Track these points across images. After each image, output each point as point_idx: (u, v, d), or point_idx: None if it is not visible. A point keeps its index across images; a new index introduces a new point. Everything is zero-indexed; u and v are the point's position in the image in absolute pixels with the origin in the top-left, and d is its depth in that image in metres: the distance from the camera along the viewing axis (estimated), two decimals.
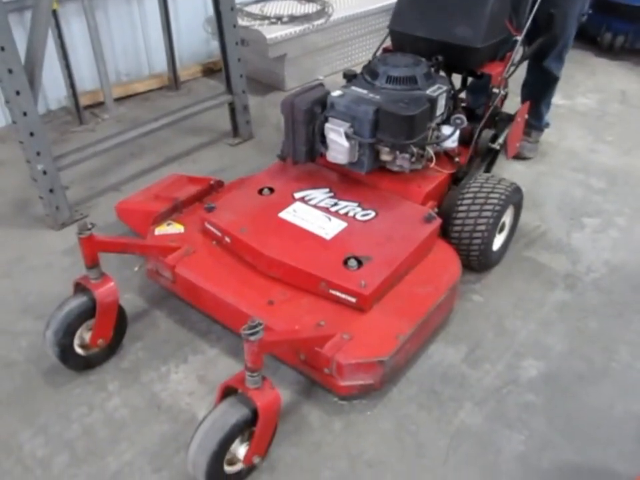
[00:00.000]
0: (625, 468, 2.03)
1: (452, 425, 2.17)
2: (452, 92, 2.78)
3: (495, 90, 2.87)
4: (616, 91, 4.71)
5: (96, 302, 2.19)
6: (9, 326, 2.55)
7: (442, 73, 2.86)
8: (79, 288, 2.25)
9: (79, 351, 2.26)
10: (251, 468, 1.97)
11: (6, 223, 3.18)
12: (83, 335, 2.26)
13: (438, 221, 2.56)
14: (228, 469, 1.89)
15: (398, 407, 2.23)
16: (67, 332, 2.19)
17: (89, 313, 2.22)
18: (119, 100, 4.38)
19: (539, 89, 3.63)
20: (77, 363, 2.29)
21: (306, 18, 4.45)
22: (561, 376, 2.36)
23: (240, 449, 1.89)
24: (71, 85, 3.97)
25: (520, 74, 3.44)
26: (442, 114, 2.71)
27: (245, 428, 1.85)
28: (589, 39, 5.19)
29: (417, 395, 2.27)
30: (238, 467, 1.92)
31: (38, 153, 2.87)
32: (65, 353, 2.22)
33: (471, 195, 2.63)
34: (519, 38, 2.90)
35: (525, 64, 3.46)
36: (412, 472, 2.02)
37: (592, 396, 2.29)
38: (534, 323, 2.59)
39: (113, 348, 2.37)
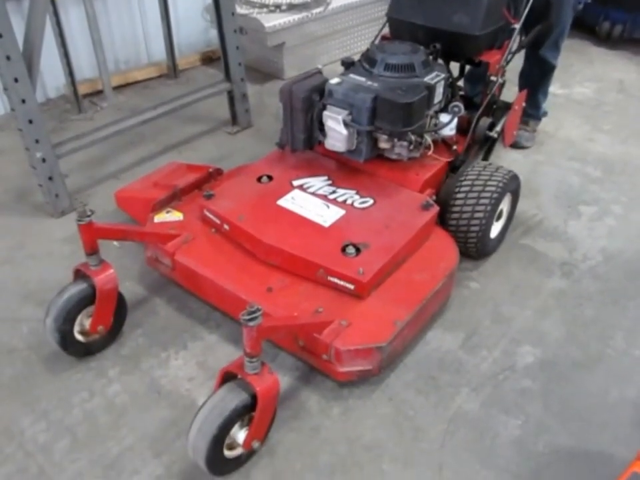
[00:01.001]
0: (619, 452, 2.06)
1: (449, 410, 2.20)
2: (450, 80, 2.79)
3: (493, 78, 2.88)
4: (614, 80, 4.71)
5: (95, 289, 2.20)
6: (10, 313, 2.56)
7: (440, 61, 2.86)
8: (79, 275, 2.26)
9: (79, 337, 2.28)
10: (250, 452, 1.99)
11: (6, 211, 3.18)
12: (83, 321, 2.27)
13: (435, 209, 2.57)
14: (228, 453, 1.91)
15: (396, 393, 2.25)
16: (67, 318, 2.20)
17: (88, 299, 2.23)
18: (118, 88, 4.37)
19: (536, 77, 3.63)
20: (77, 349, 2.30)
21: (304, 6, 4.43)
22: (557, 362, 2.39)
23: (239, 434, 1.91)
24: (70, 73, 3.96)
25: (518, 63, 3.45)
26: (440, 102, 2.72)
27: (244, 413, 1.86)
28: (587, 29, 5.19)
29: (415, 380, 2.30)
30: (237, 451, 1.94)
31: (37, 141, 2.87)
32: (65, 340, 2.23)
33: (469, 182, 2.64)
34: (517, 26, 2.90)
35: (522, 53, 3.46)
36: (409, 456, 2.05)
37: (587, 382, 2.31)
38: (530, 310, 2.62)
39: (113, 335, 2.39)
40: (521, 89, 3.56)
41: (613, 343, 2.47)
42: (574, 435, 2.13)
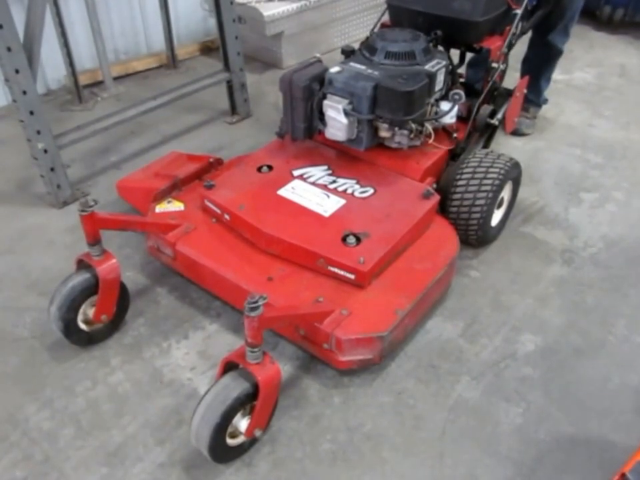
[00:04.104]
0: (620, 438, 2.07)
1: (450, 398, 2.20)
2: (450, 67, 2.78)
3: (494, 64, 2.87)
4: (615, 65, 4.69)
5: (98, 278, 2.22)
6: (14, 302, 2.58)
7: (440, 48, 2.85)
8: (82, 265, 2.27)
9: (82, 326, 2.30)
10: (252, 440, 2.00)
11: (8, 201, 3.19)
12: (87, 310, 2.29)
13: (436, 197, 2.57)
14: (230, 441, 1.93)
15: (396, 381, 2.26)
16: (71, 307, 2.22)
17: (91, 289, 2.24)
18: (118, 79, 4.37)
19: (541, 63, 3.61)
20: (80, 338, 2.32)
21: None
22: (558, 350, 2.39)
23: (242, 422, 1.92)
24: (70, 64, 3.95)
25: (519, 49, 3.43)
26: (441, 89, 2.71)
27: (246, 402, 1.88)
28: (587, 13, 5.13)
29: (415, 369, 2.30)
30: (240, 439, 1.96)
31: (38, 132, 2.88)
32: (69, 328, 2.25)
33: (470, 170, 2.64)
34: (519, 11, 2.88)
35: (526, 39, 3.45)
36: (410, 444, 2.06)
37: (589, 369, 2.32)
38: (531, 298, 2.62)
39: (115, 324, 2.41)
40: (523, 75, 3.55)
41: (615, 330, 2.47)
42: (575, 422, 2.13)
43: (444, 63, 2.67)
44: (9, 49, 2.66)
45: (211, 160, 2.90)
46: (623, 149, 3.65)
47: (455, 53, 2.98)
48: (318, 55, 2.76)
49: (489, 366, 2.32)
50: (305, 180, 2.62)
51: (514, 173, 2.76)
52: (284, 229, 2.38)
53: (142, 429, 2.09)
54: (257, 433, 1.95)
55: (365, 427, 2.11)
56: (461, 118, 2.84)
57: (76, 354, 2.34)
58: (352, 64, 2.64)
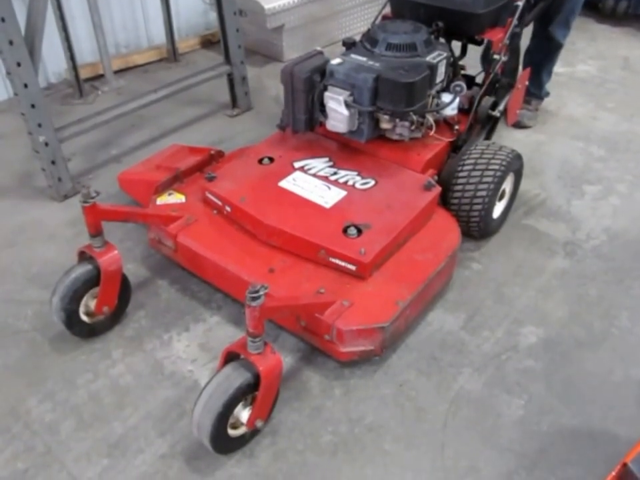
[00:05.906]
0: (624, 431, 2.06)
1: (451, 390, 2.20)
2: (452, 59, 2.77)
3: (496, 56, 2.85)
4: (618, 57, 4.67)
5: (100, 270, 2.21)
6: (15, 295, 2.58)
7: (442, 40, 2.84)
8: (84, 257, 2.27)
9: (84, 318, 2.29)
10: (254, 431, 2.00)
11: (9, 194, 3.19)
12: (88, 302, 2.29)
13: (437, 189, 2.57)
14: (232, 432, 1.93)
15: (397, 373, 2.26)
16: (73, 298, 2.22)
17: (93, 280, 2.24)
18: (119, 72, 4.36)
19: (542, 56, 3.60)
20: (81, 329, 2.32)
21: None
22: (561, 342, 2.39)
23: (243, 413, 1.92)
24: (71, 57, 3.94)
25: (523, 42, 3.41)
26: (442, 81, 2.70)
27: (247, 392, 1.88)
28: (590, 5, 5.09)
29: (417, 361, 2.30)
30: (241, 430, 1.96)
31: (39, 125, 2.88)
32: (71, 319, 2.25)
33: (471, 162, 2.63)
34: (520, 3, 2.87)
35: (530, 31, 3.43)
36: (411, 436, 2.05)
37: (591, 361, 2.31)
38: (533, 290, 2.61)
39: (117, 316, 2.41)
40: (525, 67, 3.53)
41: (618, 323, 2.47)
42: (578, 414, 2.13)
43: (445, 54, 2.66)
44: (10, 43, 2.66)
45: (212, 152, 2.90)
46: (626, 141, 3.63)
47: (456, 45, 2.96)
48: (319, 49, 2.75)
49: (491, 358, 2.32)
50: (306, 172, 2.61)
51: (516, 165, 2.75)
52: (285, 220, 2.38)
53: (143, 420, 2.09)
54: (258, 423, 1.95)
55: (366, 418, 2.10)
56: (462, 110, 2.83)
57: (77, 346, 2.34)
58: (353, 56, 2.63)
